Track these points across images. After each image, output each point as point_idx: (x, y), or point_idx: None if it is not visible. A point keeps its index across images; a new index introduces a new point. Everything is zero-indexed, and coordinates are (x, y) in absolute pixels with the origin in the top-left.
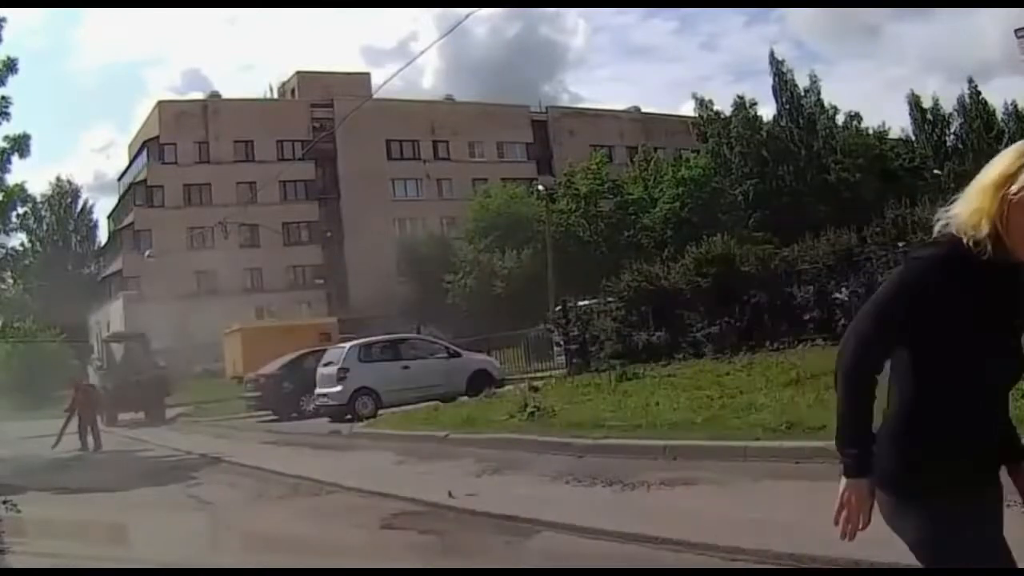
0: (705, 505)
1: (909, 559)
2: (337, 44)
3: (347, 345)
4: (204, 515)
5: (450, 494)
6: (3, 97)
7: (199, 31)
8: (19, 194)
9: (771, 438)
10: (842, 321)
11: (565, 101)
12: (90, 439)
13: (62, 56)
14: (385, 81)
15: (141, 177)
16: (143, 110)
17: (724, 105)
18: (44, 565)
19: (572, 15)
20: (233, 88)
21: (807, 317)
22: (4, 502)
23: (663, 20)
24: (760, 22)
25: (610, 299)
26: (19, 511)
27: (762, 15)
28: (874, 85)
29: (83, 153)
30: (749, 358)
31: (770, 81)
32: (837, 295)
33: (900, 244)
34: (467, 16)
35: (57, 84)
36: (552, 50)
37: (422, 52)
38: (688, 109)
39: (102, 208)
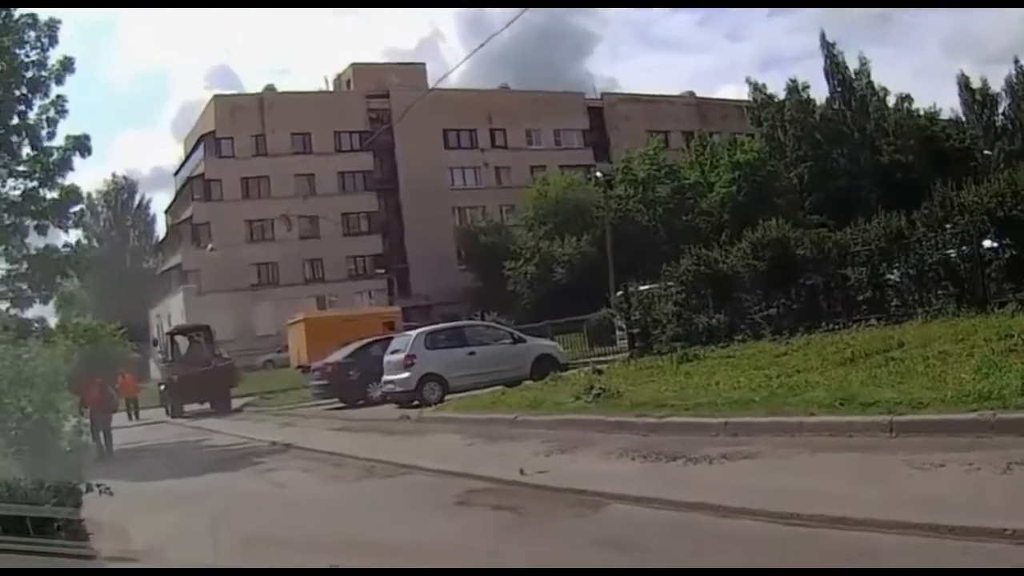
0: (764, 477)
1: (953, 519)
2: (363, 45)
3: (414, 333)
4: (283, 497)
5: (522, 471)
6: (60, 96)
7: (234, 35)
8: (74, 194)
9: (825, 414)
10: (894, 301)
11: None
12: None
13: (100, 56)
14: (446, 73)
15: (199, 171)
16: (175, 108)
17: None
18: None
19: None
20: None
21: (860, 298)
22: (98, 486)
23: (687, 13)
24: (780, 13)
25: (670, 283)
26: (112, 494)
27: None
28: (900, 72)
29: (132, 149)
30: (806, 338)
31: (797, 70)
32: (889, 276)
33: (947, 226)
34: (520, 14)
35: (99, 82)
36: (582, 39)
37: (482, 45)
38: (725, 95)
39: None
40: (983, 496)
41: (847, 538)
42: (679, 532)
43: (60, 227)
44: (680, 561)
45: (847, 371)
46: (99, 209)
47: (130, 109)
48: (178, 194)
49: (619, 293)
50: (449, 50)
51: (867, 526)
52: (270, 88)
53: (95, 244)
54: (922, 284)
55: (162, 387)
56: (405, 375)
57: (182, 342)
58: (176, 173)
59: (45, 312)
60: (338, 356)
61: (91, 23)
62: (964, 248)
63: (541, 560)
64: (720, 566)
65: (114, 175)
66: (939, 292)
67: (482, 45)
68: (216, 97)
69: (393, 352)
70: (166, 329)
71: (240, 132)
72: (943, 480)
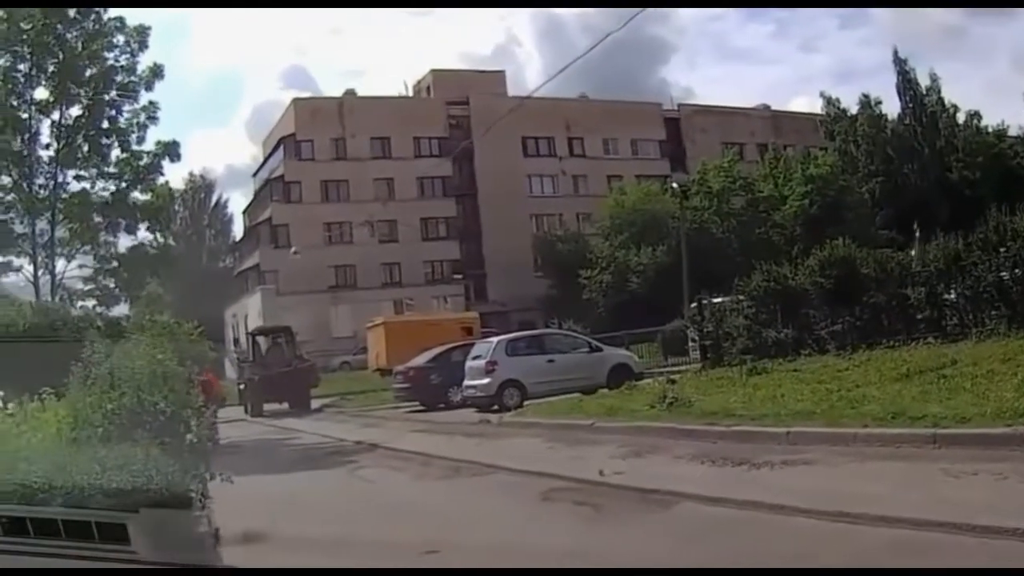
0: (818, 481)
1: (975, 518)
2: (439, 48)
3: (495, 340)
4: (376, 492)
5: (601, 472)
6: (151, 103)
7: (308, 35)
8: (167, 198)
9: (877, 426)
10: (952, 320)
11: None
12: None
13: (173, 54)
14: (530, 93)
15: (278, 173)
16: (248, 107)
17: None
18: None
19: (679, 16)
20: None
21: (920, 317)
22: (220, 474)
23: (761, 24)
24: (852, 25)
25: (741, 297)
26: (232, 482)
27: (855, 18)
28: (971, 87)
29: (205, 147)
30: (867, 354)
31: (870, 82)
32: (947, 296)
33: (1001, 250)
34: (607, 36)
35: (172, 79)
36: (659, 48)
37: (578, 58)
38: (798, 107)
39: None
40: (1004, 500)
41: (884, 533)
42: (740, 526)
43: (151, 229)
44: (693, 560)
45: (902, 387)
46: (177, 208)
47: (203, 108)
48: (257, 195)
49: (693, 305)
50: (526, 55)
51: (903, 523)
52: (350, 92)
53: (171, 242)
54: (977, 305)
55: (241, 386)
56: (486, 380)
57: (263, 342)
58: (255, 174)
59: (119, 310)
60: (420, 360)
61: (164, 20)
62: (1016, 271)
63: (619, 548)
64: (762, 555)
65: (191, 174)
66: (992, 313)
67: (565, 68)
68: (296, 100)
69: (475, 358)
70: (242, 329)
71: (320, 135)
72: (974, 486)
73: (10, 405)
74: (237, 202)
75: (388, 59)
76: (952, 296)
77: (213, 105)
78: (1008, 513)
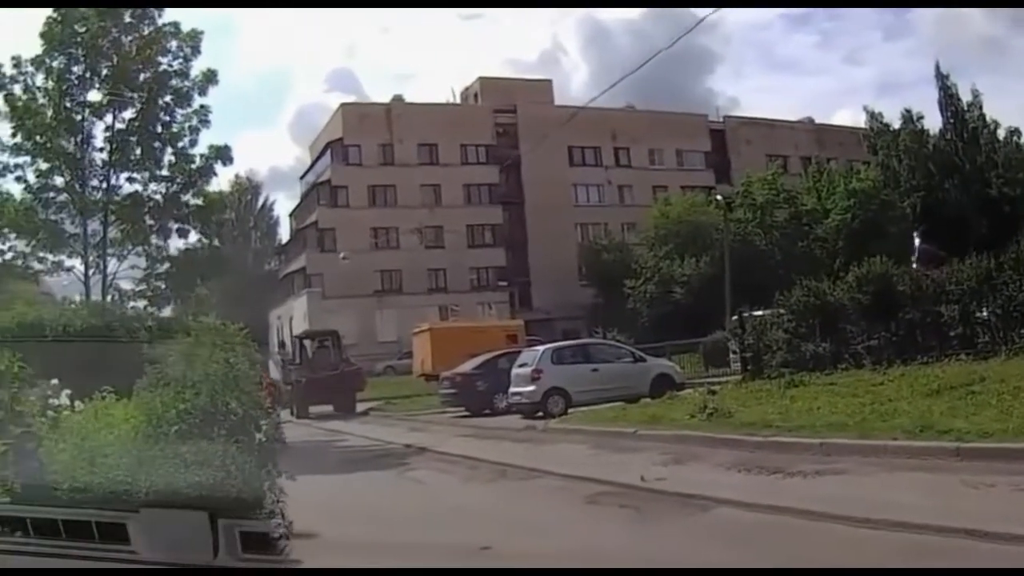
0: (847, 489)
1: (988, 526)
2: (486, 52)
3: (541, 348)
4: (426, 493)
5: (642, 478)
6: (203, 106)
7: (356, 37)
8: (219, 203)
9: (906, 439)
10: (983, 338)
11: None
12: None
13: (218, 55)
14: (592, 99)
15: (325, 177)
16: (292, 109)
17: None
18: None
19: (725, 25)
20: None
21: (952, 334)
22: (284, 473)
23: (806, 34)
24: (896, 37)
25: (782, 311)
26: (295, 479)
27: (899, 29)
28: (1010, 102)
29: (250, 149)
30: (901, 370)
31: (912, 95)
32: (979, 314)
33: None
34: (658, 53)
35: (221, 84)
36: (704, 58)
37: (627, 75)
38: (841, 119)
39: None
40: (1018, 510)
41: (904, 538)
42: (773, 529)
43: (203, 233)
44: (727, 559)
45: (931, 402)
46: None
47: (247, 109)
48: (304, 198)
49: (734, 318)
50: (572, 63)
51: (922, 529)
52: (398, 98)
53: (216, 243)
54: (1007, 323)
55: (288, 388)
56: (532, 388)
57: (310, 346)
58: (302, 177)
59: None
60: (467, 367)
61: (210, 21)
62: None
63: (661, 547)
64: (790, 556)
65: (237, 176)
66: (1022, 331)
67: (615, 84)
68: (344, 105)
69: (521, 366)
70: (287, 331)
71: (367, 140)
72: (991, 497)
73: (76, 403)
74: (281, 204)
75: (434, 64)
76: (984, 314)
77: (258, 106)
78: (1020, 521)
